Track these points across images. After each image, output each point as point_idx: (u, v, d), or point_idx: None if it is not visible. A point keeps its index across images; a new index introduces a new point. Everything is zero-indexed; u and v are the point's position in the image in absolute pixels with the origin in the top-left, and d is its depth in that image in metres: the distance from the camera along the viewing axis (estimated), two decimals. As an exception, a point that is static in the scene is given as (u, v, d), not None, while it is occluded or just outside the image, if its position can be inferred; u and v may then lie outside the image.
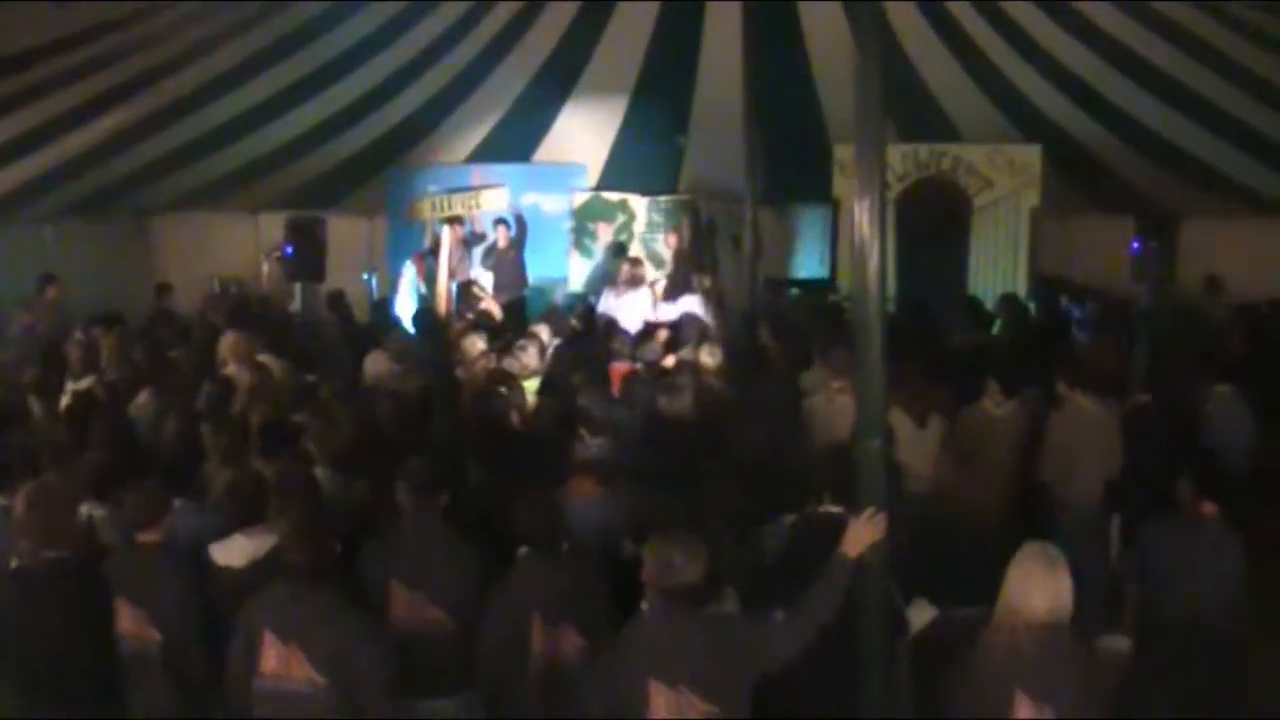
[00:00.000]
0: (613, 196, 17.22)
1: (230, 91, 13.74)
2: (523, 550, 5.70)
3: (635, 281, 13.92)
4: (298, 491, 6.18)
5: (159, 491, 5.99)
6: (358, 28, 13.51)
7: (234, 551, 5.91)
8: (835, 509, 5.70)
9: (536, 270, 16.08)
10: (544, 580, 5.59)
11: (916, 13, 14.01)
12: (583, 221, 17.15)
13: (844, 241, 15.73)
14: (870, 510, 5.27)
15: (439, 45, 14.59)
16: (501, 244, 15.63)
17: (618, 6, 14.72)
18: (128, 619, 5.64)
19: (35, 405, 9.23)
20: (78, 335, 11.47)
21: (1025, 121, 15.49)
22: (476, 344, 10.39)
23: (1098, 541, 8.07)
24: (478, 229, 15.99)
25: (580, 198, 17.18)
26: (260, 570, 5.63)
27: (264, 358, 10.20)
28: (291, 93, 14.28)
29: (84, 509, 6.25)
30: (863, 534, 5.24)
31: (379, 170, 16.76)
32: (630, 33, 15.17)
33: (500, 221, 15.76)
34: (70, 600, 5.52)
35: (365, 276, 16.68)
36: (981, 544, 5.84)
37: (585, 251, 17.14)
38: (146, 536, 5.80)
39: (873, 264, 5.44)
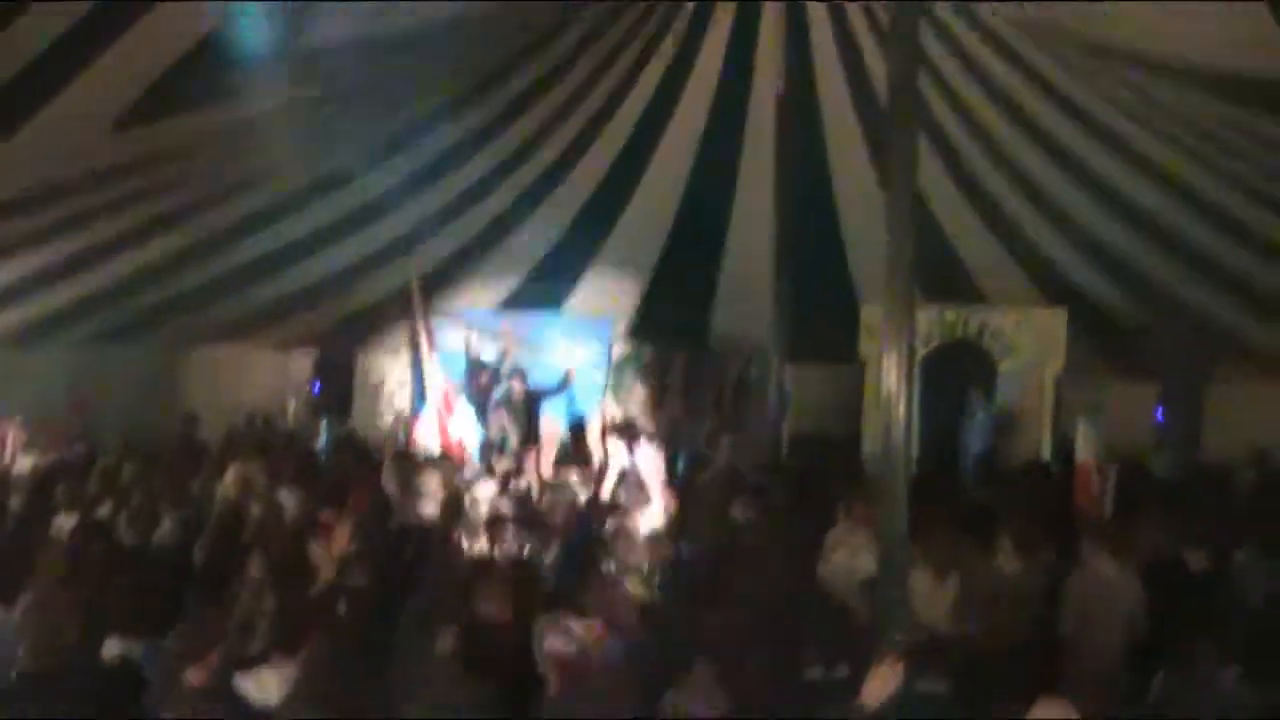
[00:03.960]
0: (649, 352, 17.29)
1: (266, 228, 13.97)
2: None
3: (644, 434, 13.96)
4: (315, 624, 6.10)
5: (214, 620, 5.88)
6: (394, 171, 13.78)
7: (265, 683, 5.68)
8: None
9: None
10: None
11: (945, 177, 14.22)
12: (620, 377, 17.22)
13: (870, 401, 15.80)
14: (891, 659, 5.23)
15: (474, 190, 14.83)
16: (518, 394, 15.64)
17: (653, 159, 14.99)
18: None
19: (64, 522, 9.26)
20: (102, 462, 11.56)
21: (1050, 286, 15.57)
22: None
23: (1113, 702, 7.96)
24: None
25: (620, 350, 17.29)
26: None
27: (284, 491, 10.27)
28: (328, 232, 14.51)
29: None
30: (882, 683, 5.20)
31: (407, 313, 16.90)
32: (663, 186, 15.44)
33: (517, 373, 15.78)
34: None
35: (390, 417, 16.69)
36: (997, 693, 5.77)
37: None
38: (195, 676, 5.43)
39: (898, 422, 5.50)
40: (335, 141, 12.76)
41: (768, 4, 12.91)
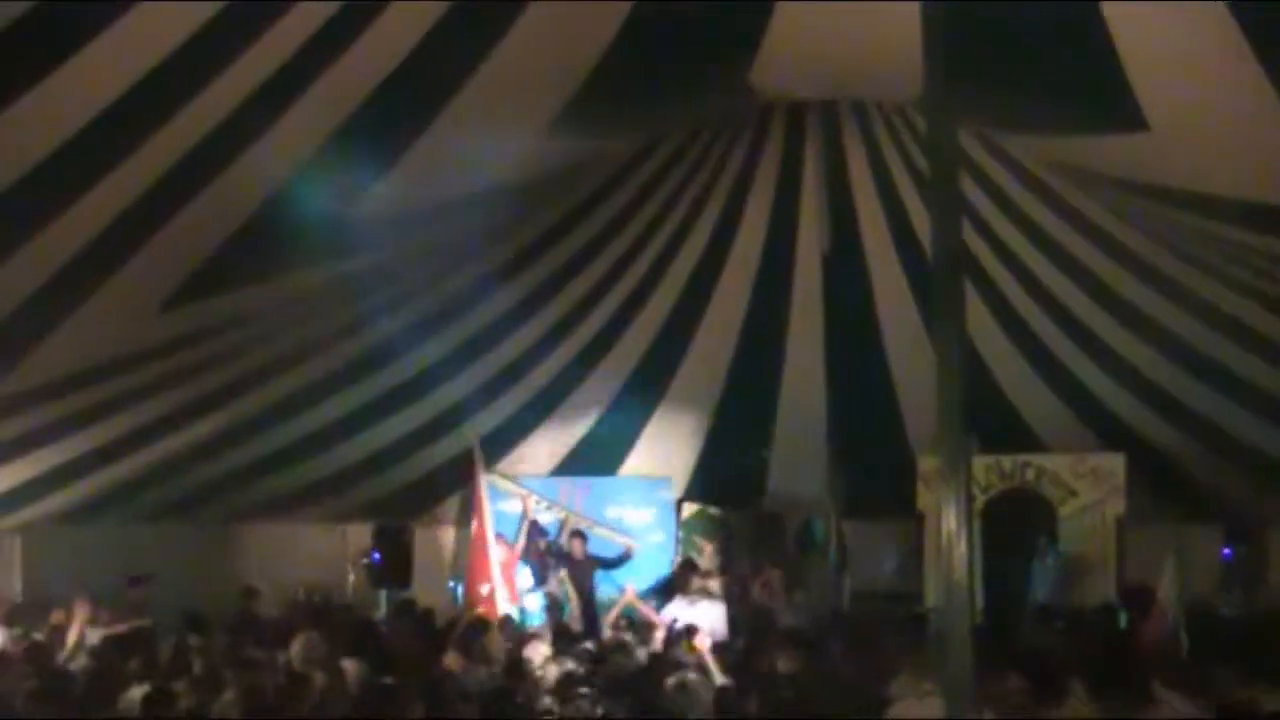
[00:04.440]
0: (715, 512, 17.26)
1: (320, 402, 14.13)
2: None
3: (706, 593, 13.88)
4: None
5: None
6: (448, 341, 13.98)
7: None
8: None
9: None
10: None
11: (994, 323, 14.28)
12: (690, 535, 17.15)
13: (929, 554, 15.67)
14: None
15: (529, 355, 15.01)
16: (578, 555, 15.58)
17: (703, 318, 15.16)
18: None
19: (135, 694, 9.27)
20: (169, 636, 11.62)
21: (1107, 430, 15.49)
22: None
23: None
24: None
25: (688, 509, 17.25)
26: None
27: (345, 662, 10.27)
28: (382, 403, 14.63)
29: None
30: None
31: (466, 481, 16.95)
32: (715, 345, 15.58)
33: (576, 534, 15.76)
34: None
35: (451, 585, 16.64)
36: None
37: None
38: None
39: (959, 568, 5.49)
40: (385, 314, 12.95)
41: (809, 158, 13.15)
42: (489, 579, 14.69)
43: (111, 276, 8.62)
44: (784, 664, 10.01)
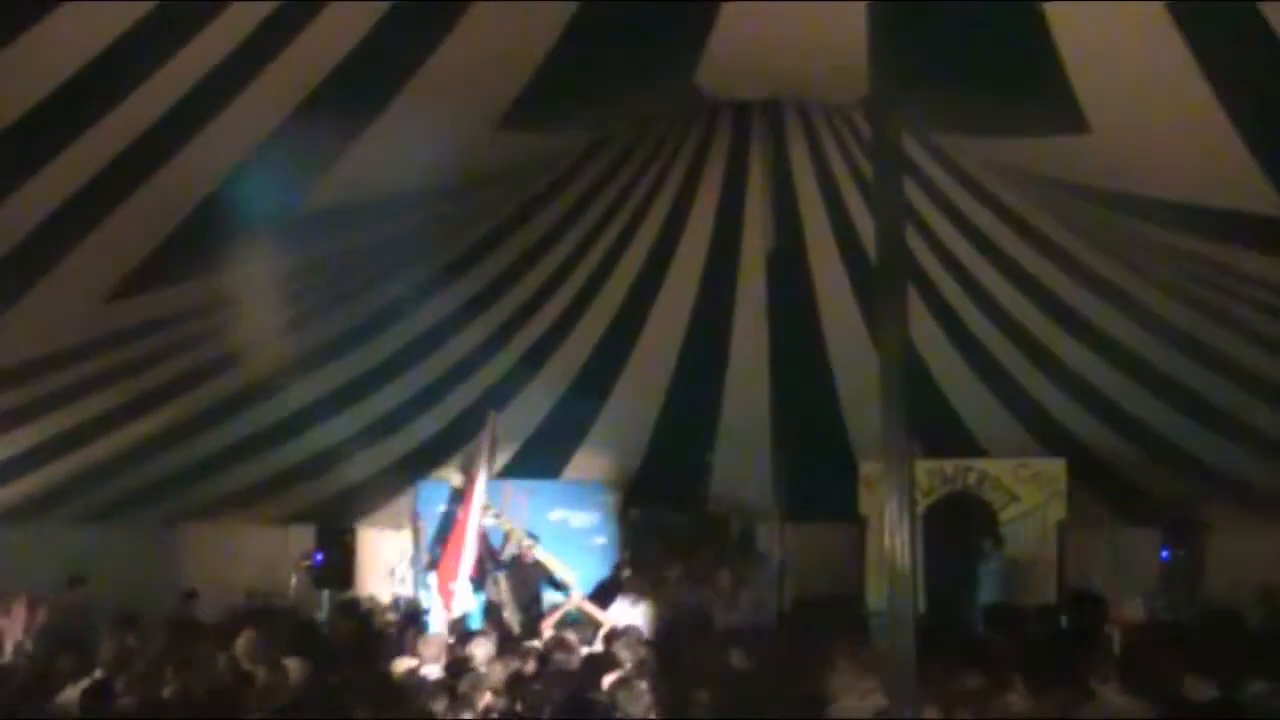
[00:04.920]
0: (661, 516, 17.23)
1: (260, 402, 14.05)
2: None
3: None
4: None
5: None
6: (393, 340, 13.92)
7: None
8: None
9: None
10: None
11: (937, 328, 14.37)
12: (623, 538, 17.12)
13: (872, 558, 15.75)
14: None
15: (473, 357, 14.98)
16: (526, 559, 15.47)
17: (647, 322, 15.18)
18: None
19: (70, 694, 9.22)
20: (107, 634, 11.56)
21: (1049, 435, 15.62)
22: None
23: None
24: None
25: (633, 514, 17.26)
26: None
27: (288, 660, 10.25)
28: (322, 404, 14.55)
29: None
30: None
31: (409, 483, 16.91)
32: (658, 350, 15.63)
33: (531, 538, 15.65)
34: None
35: (395, 576, 16.52)
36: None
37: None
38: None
39: (903, 567, 5.56)
40: (329, 312, 12.90)
41: (754, 158, 13.21)
42: (455, 578, 14.59)
43: (53, 268, 8.54)
44: (733, 660, 10.01)
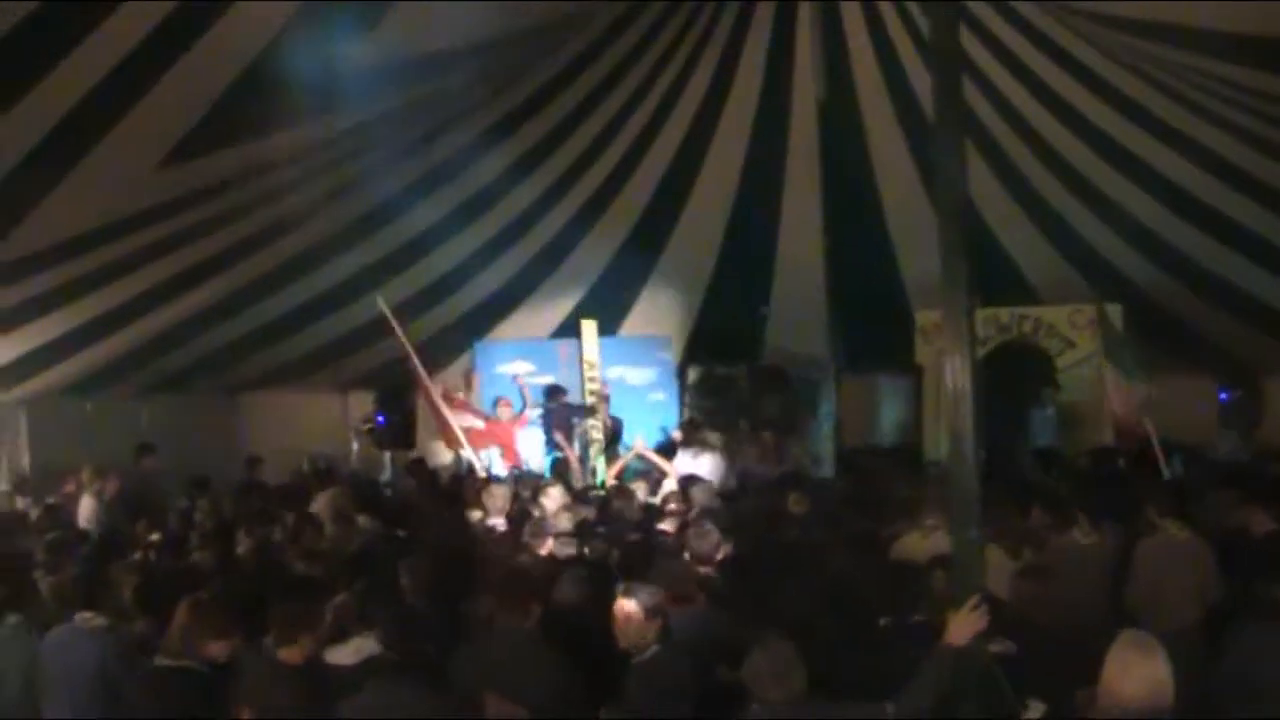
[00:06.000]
0: (722, 371, 17.34)
1: (319, 267, 14.12)
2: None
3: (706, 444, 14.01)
4: (391, 601, 6.30)
5: (300, 610, 6.09)
6: (444, 202, 13.94)
7: (347, 652, 6.22)
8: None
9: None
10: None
11: (992, 178, 14.21)
12: (685, 391, 17.38)
13: (928, 407, 15.80)
14: (973, 600, 5.28)
15: (527, 216, 14.98)
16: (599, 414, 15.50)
17: (700, 176, 15.09)
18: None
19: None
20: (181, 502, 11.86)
21: (1105, 281, 15.49)
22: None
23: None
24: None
25: (694, 373, 17.43)
26: (368, 668, 5.85)
27: (360, 518, 10.51)
28: (380, 268, 14.60)
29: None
30: (966, 623, 5.25)
31: (466, 345, 17.03)
32: (712, 202, 15.56)
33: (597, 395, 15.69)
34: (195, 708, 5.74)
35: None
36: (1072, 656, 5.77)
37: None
38: (288, 654, 5.90)
39: (965, 414, 5.60)
40: (382, 173, 12.87)
41: (803, 6, 12.99)
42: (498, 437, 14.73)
43: (107, 133, 8.55)
44: (792, 504, 10.23)
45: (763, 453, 14.92)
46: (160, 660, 5.97)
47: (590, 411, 14.75)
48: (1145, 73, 11.74)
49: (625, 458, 13.63)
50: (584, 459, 14.37)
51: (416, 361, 13.98)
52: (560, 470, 13.59)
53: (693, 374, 17.40)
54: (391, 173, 12.76)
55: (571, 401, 15.03)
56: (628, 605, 5.89)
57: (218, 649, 5.93)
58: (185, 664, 5.87)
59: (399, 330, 13.66)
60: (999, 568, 7.80)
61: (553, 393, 15.10)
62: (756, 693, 5.04)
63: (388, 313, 13.59)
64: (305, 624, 5.94)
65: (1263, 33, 8.65)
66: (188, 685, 5.81)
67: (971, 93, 12.86)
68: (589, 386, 15.02)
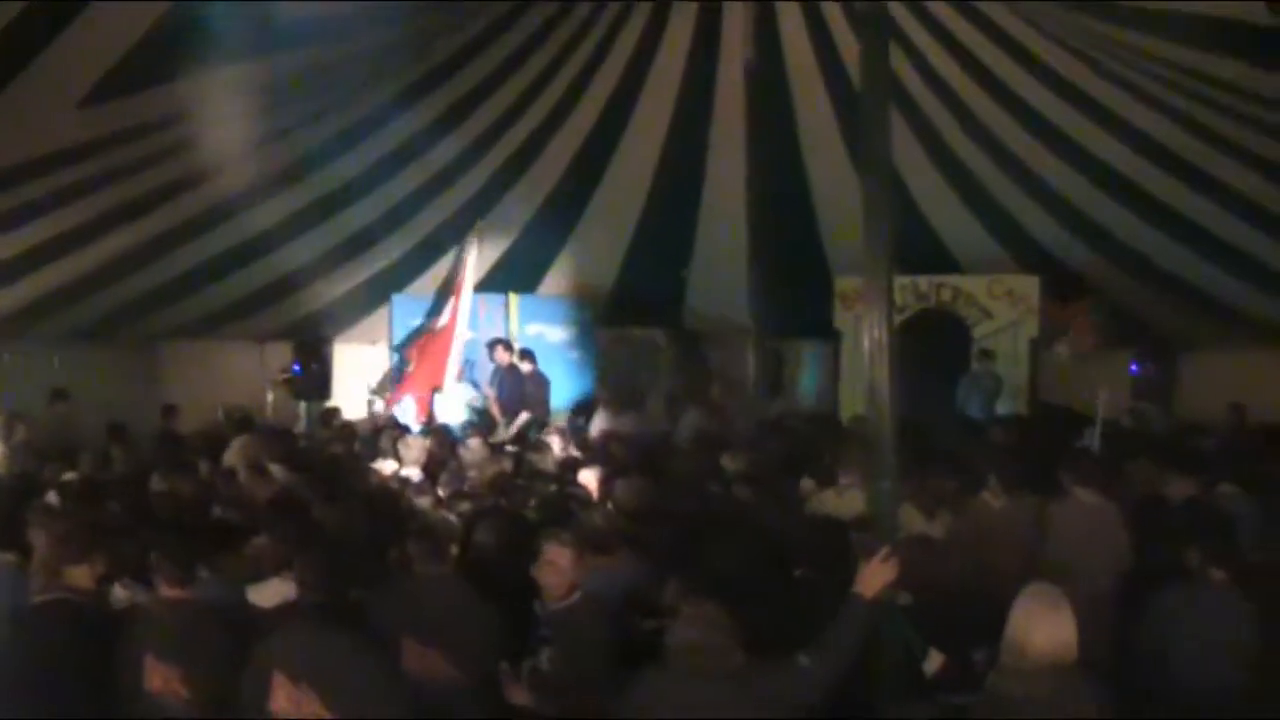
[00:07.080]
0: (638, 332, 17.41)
1: (236, 217, 13.86)
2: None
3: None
4: (311, 542, 6.27)
5: (186, 549, 6.00)
6: (366, 155, 13.80)
7: (267, 593, 6.19)
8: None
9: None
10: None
11: (916, 146, 14.29)
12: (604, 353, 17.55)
13: (846, 371, 15.96)
14: (884, 551, 5.33)
15: (448, 173, 14.86)
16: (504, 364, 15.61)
17: (624, 137, 15.05)
18: (158, 677, 5.59)
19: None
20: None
21: (1024, 252, 15.66)
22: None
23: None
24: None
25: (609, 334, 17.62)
26: (285, 611, 5.81)
27: (273, 467, 10.42)
28: (298, 220, 14.42)
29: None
30: (877, 575, 5.30)
31: (384, 299, 16.93)
32: (636, 165, 15.52)
33: (500, 342, 15.78)
34: (74, 643, 5.65)
35: (370, 398, 16.68)
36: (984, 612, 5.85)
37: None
38: (175, 593, 5.81)
39: (882, 377, 5.70)
40: (302, 125, 12.72)
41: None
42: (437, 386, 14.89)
43: (22, 70, 8.38)
44: (728, 461, 10.40)
45: (709, 411, 15.04)
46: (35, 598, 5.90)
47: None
48: (1080, 50, 11.81)
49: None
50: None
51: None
52: (484, 422, 13.64)
53: (608, 335, 17.42)
54: (310, 126, 12.62)
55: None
56: (554, 550, 5.89)
57: (80, 574, 5.87)
58: (54, 596, 5.80)
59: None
60: (914, 527, 7.92)
61: (496, 346, 15.23)
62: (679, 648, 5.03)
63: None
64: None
65: (1208, 13, 8.73)
66: (58, 617, 5.74)
67: (901, 63, 12.92)
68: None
